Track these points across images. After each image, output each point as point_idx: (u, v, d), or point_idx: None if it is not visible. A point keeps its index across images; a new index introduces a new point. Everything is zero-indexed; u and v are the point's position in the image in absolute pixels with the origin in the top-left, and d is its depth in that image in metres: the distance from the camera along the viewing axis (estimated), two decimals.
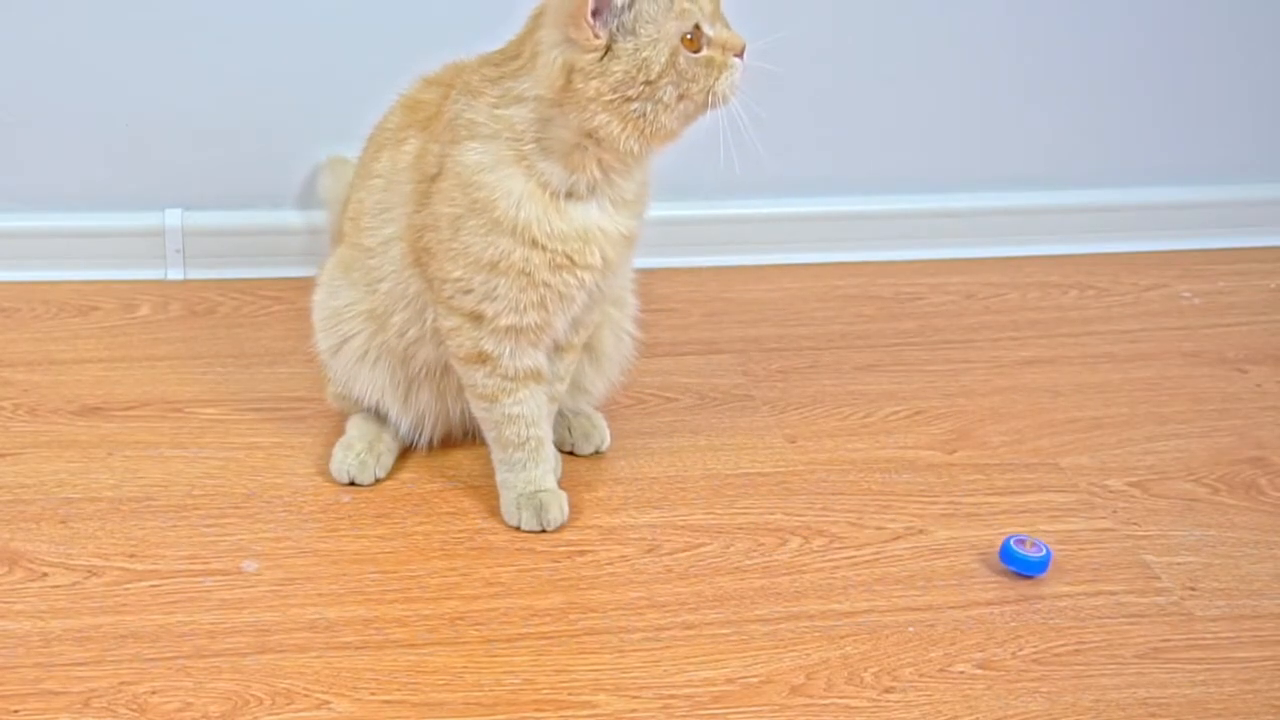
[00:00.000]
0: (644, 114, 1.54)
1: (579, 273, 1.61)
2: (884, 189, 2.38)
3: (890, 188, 2.38)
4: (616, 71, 1.52)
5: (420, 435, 1.82)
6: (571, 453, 1.85)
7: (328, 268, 1.80)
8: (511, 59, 1.59)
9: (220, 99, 2.17)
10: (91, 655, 1.49)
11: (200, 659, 1.49)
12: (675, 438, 1.90)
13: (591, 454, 1.85)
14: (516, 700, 1.46)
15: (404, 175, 1.67)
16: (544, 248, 1.59)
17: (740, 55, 1.56)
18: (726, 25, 1.57)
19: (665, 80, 1.53)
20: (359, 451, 1.78)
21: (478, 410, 1.72)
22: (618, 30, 1.51)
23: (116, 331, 2.09)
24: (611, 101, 1.53)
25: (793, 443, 1.89)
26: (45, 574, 1.60)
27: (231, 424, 1.88)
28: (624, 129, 1.55)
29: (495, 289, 1.61)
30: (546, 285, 1.61)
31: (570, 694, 1.47)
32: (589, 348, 1.79)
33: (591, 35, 1.51)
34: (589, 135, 1.56)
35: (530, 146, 1.57)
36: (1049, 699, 1.49)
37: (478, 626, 1.56)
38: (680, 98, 1.54)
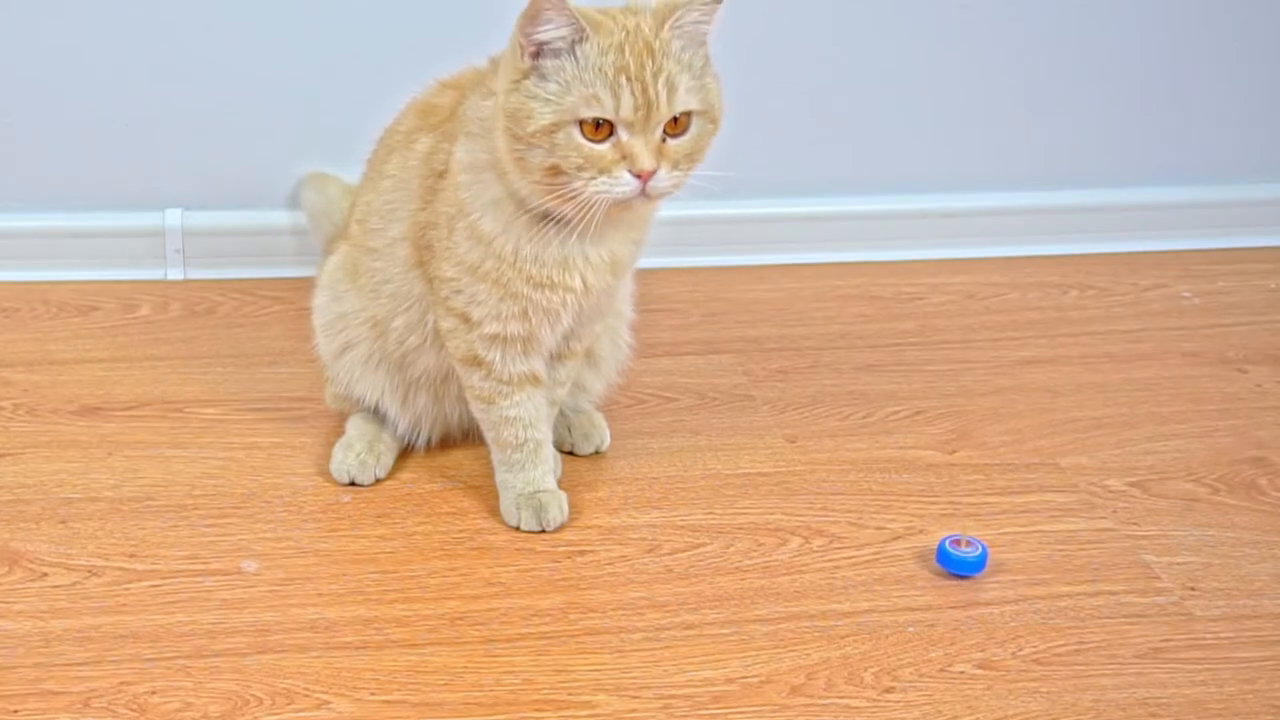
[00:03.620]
0: (523, 159, 1.49)
1: (561, 293, 1.60)
2: (884, 189, 2.38)
3: (891, 188, 2.38)
4: (514, 103, 1.48)
5: (418, 436, 1.82)
6: (571, 452, 1.85)
7: (328, 270, 1.80)
8: None
9: (220, 99, 2.17)
10: (91, 655, 1.49)
11: (200, 659, 1.49)
12: (675, 438, 1.90)
13: (591, 454, 1.85)
14: (516, 700, 1.46)
15: (413, 173, 1.67)
16: (512, 264, 1.58)
17: (639, 176, 1.48)
18: (657, 143, 1.47)
19: (538, 141, 1.47)
20: (359, 451, 1.78)
21: (476, 411, 1.72)
22: (537, 66, 1.47)
23: (116, 331, 2.10)
24: (506, 127, 1.50)
25: (793, 443, 1.89)
26: (45, 574, 1.60)
27: (231, 424, 1.88)
28: (509, 160, 1.51)
29: (478, 294, 1.61)
30: (527, 299, 1.60)
31: (570, 694, 1.47)
32: (587, 352, 1.79)
33: (521, 52, 1.47)
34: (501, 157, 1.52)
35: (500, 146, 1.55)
36: (1049, 699, 1.49)
37: (478, 626, 1.56)
38: (553, 170, 1.48)
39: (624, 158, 1.48)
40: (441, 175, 1.63)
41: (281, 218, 2.24)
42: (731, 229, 2.34)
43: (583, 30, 1.46)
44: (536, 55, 1.47)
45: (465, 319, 1.64)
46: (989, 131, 2.37)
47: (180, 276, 2.24)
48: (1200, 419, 1.97)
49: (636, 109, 1.46)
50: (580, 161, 1.48)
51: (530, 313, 1.61)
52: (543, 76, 1.47)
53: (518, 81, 1.48)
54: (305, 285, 1.87)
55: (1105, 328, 2.21)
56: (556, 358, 1.72)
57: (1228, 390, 2.05)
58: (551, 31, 1.46)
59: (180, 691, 1.45)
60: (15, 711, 1.42)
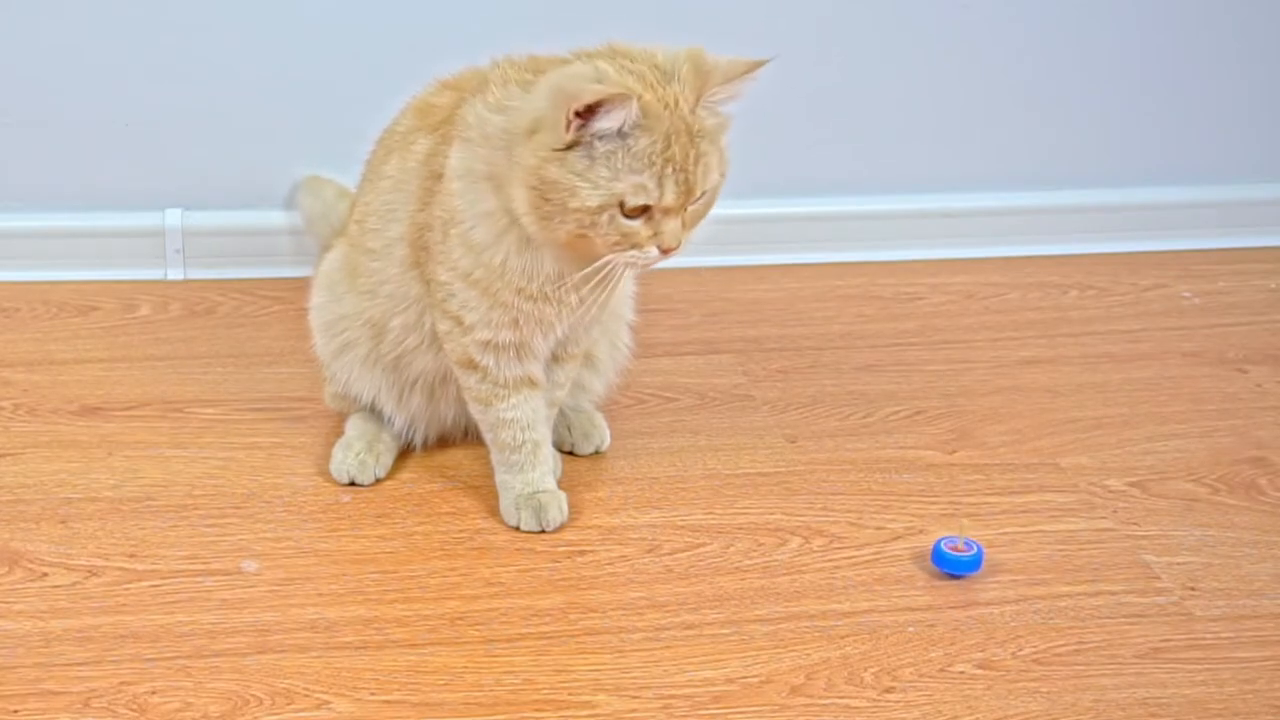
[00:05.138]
0: (549, 218, 1.50)
1: (555, 305, 1.60)
2: (884, 189, 2.38)
3: (891, 188, 2.38)
4: (553, 173, 1.47)
5: (414, 435, 1.82)
6: (571, 452, 1.85)
7: (325, 270, 1.80)
8: (533, 71, 1.54)
9: (220, 100, 2.17)
10: (91, 655, 1.49)
11: (200, 659, 1.49)
12: (675, 438, 1.90)
13: (591, 454, 1.85)
14: (516, 700, 1.46)
15: (412, 174, 1.66)
16: (501, 275, 1.57)
17: (664, 252, 1.51)
18: (684, 222, 1.51)
19: (578, 216, 1.48)
20: (359, 451, 1.78)
21: (475, 412, 1.72)
22: (583, 145, 1.46)
23: (116, 331, 2.10)
24: (527, 184, 1.49)
25: (793, 443, 1.89)
26: (45, 574, 1.60)
27: (231, 424, 1.88)
28: (528, 212, 1.50)
29: (469, 300, 1.61)
30: (518, 309, 1.60)
31: (570, 694, 1.47)
32: (585, 354, 1.79)
33: (564, 129, 1.46)
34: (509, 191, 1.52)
35: (501, 164, 1.53)
36: (1049, 699, 1.49)
37: (478, 626, 1.56)
38: (580, 236, 1.50)
39: (655, 234, 1.50)
40: (439, 178, 1.62)
41: (281, 218, 2.24)
42: (731, 229, 2.34)
43: (638, 119, 1.46)
44: (581, 129, 1.46)
45: (459, 322, 1.63)
46: (989, 131, 2.37)
47: (180, 276, 2.24)
48: (1200, 419, 1.97)
49: (678, 196, 1.49)
50: (617, 239, 1.50)
51: (521, 322, 1.61)
52: (591, 158, 1.47)
53: (559, 152, 1.47)
54: (305, 285, 1.87)
55: (1105, 328, 2.21)
56: (554, 360, 1.72)
57: (1228, 390, 2.05)
58: (612, 122, 1.45)
59: (180, 691, 1.45)
60: (15, 711, 1.42)
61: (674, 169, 1.47)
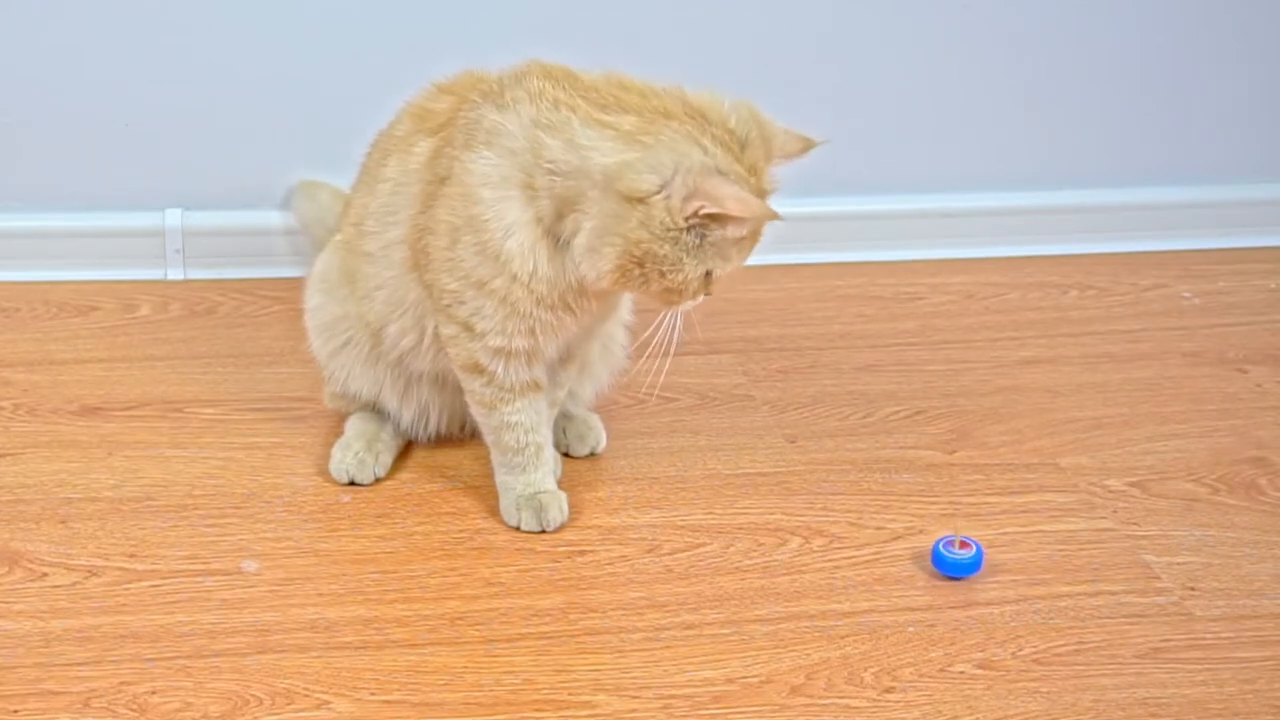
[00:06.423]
0: (624, 272, 1.53)
1: (574, 314, 1.60)
2: (884, 189, 2.38)
3: (891, 188, 2.38)
4: (663, 251, 1.50)
5: (426, 426, 1.81)
6: (567, 454, 1.85)
7: (320, 271, 1.80)
8: (602, 108, 1.54)
9: (220, 100, 2.17)
10: (91, 655, 1.49)
11: (200, 659, 1.49)
12: (675, 438, 1.90)
13: (586, 455, 1.85)
14: (516, 700, 1.46)
15: (413, 176, 1.66)
16: (527, 285, 1.57)
17: (707, 293, 1.59)
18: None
19: (668, 282, 1.53)
20: (358, 451, 1.78)
21: (477, 415, 1.72)
22: (696, 230, 1.50)
23: (116, 331, 2.10)
24: (626, 251, 1.51)
25: (793, 443, 1.89)
26: (45, 574, 1.60)
27: (231, 424, 1.88)
28: (601, 264, 1.52)
29: (483, 309, 1.60)
30: (536, 318, 1.60)
31: (570, 694, 1.47)
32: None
33: (681, 217, 1.49)
34: (575, 232, 1.54)
35: (544, 177, 1.53)
36: (1049, 699, 1.49)
37: (478, 626, 1.56)
38: (644, 284, 1.55)
39: (709, 286, 1.57)
40: (443, 181, 1.61)
41: (281, 218, 2.24)
42: None
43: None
44: (704, 225, 1.51)
45: (468, 329, 1.63)
46: (989, 131, 2.37)
47: (180, 276, 2.24)
48: (1200, 419, 1.97)
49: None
50: (695, 289, 1.56)
51: (538, 330, 1.61)
52: (702, 240, 1.52)
53: (673, 233, 1.50)
54: (304, 285, 1.87)
55: (1105, 328, 2.21)
56: (559, 362, 1.72)
57: (1228, 390, 2.05)
58: (738, 232, 1.52)
59: (180, 691, 1.45)
60: (15, 711, 1.42)
61: (751, 242, 1.56)
